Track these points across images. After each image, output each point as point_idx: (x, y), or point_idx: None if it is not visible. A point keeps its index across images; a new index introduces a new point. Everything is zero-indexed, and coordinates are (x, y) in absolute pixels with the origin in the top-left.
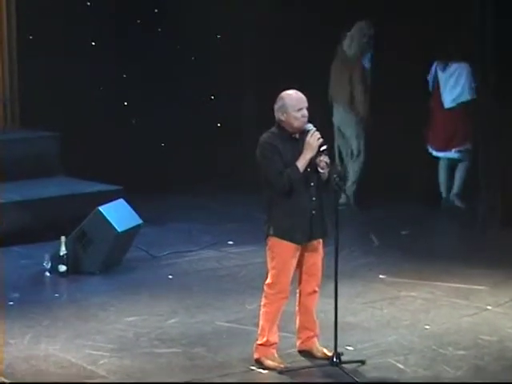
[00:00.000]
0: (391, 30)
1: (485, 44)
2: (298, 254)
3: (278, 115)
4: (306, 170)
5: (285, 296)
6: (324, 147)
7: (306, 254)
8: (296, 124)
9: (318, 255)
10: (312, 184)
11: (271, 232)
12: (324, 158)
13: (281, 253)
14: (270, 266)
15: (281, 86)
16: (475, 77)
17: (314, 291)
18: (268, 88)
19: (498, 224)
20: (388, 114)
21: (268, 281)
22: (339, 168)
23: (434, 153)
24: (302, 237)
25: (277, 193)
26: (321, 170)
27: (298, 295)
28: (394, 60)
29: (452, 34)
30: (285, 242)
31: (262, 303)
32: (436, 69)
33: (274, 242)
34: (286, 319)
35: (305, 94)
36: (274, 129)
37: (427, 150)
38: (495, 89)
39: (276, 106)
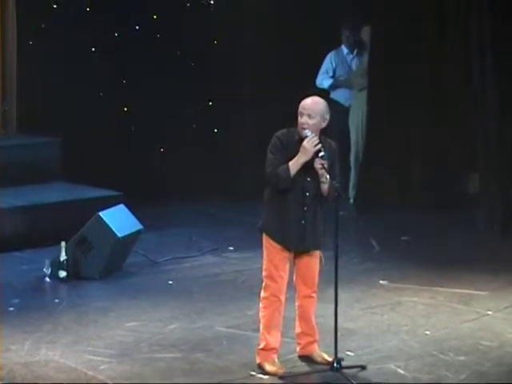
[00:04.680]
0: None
1: (483, 44)
2: (288, 258)
3: None
4: (305, 179)
5: (277, 299)
6: (322, 153)
7: (298, 261)
8: (300, 128)
9: (311, 261)
10: (307, 194)
11: (259, 225)
12: (320, 161)
13: (270, 253)
14: (263, 267)
15: (280, 93)
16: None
17: (310, 296)
18: (267, 93)
19: (499, 230)
20: (389, 120)
21: (263, 284)
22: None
23: None
24: (287, 241)
25: (269, 188)
26: (319, 171)
27: (295, 301)
28: (392, 61)
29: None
30: (273, 243)
31: (259, 308)
32: None
33: (264, 239)
34: (286, 324)
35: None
36: (294, 128)
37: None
38: (495, 96)
39: None
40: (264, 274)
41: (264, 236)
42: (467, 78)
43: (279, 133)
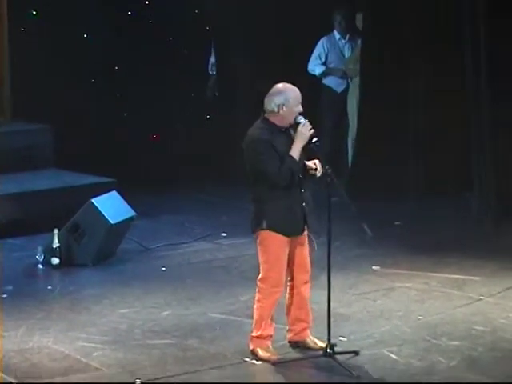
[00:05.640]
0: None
1: (477, 38)
2: (289, 246)
3: (275, 108)
4: None
5: (279, 290)
6: (315, 139)
7: (295, 246)
8: (291, 118)
9: (305, 246)
10: (300, 175)
11: (264, 226)
12: (311, 164)
13: (273, 246)
14: (261, 260)
15: (274, 80)
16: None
17: (307, 282)
18: (262, 79)
19: (492, 216)
20: (384, 107)
21: (260, 276)
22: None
23: None
24: (294, 229)
25: (277, 187)
26: (312, 172)
27: (289, 288)
28: (385, 49)
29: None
30: (278, 236)
31: (257, 298)
32: None
33: (266, 235)
34: (279, 311)
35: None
36: (260, 123)
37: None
38: (491, 88)
39: (274, 99)
40: (265, 266)
41: (267, 233)
42: (462, 68)
43: (257, 134)
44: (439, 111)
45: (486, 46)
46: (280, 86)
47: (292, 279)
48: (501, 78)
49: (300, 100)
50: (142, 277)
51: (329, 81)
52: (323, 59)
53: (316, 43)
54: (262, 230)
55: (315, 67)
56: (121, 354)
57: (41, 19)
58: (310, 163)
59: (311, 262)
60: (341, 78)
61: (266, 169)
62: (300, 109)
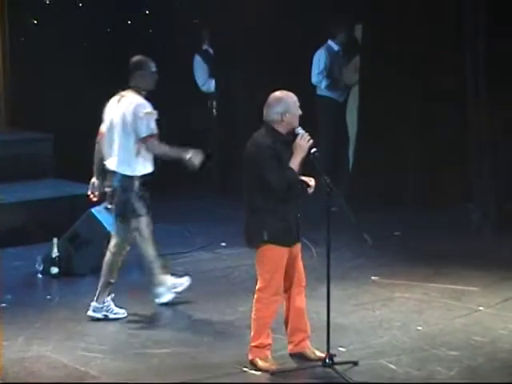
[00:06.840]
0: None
1: (476, 41)
2: (287, 256)
3: (278, 117)
4: None
5: (278, 298)
6: (314, 149)
7: (291, 257)
8: (295, 123)
9: (299, 255)
10: (298, 186)
11: (265, 238)
12: (307, 180)
13: (274, 257)
14: (261, 270)
15: (275, 86)
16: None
17: (302, 292)
18: (263, 89)
19: (491, 227)
20: (383, 116)
21: (260, 285)
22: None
23: None
24: (292, 239)
25: (275, 196)
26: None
27: (286, 299)
28: (383, 67)
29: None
30: (277, 247)
31: (256, 308)
32: None
33: (266, 247)
34: (278, 321)
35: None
36: (265, 131)
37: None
38: (489, 95)
39: (276, 108)
40: (265, 276)
41: (268, 246)
42: (462, 71)
43: (264, 142)
44: (441, 121)
45: (486, 51)
46: (278, 94)
47: (289, 289)
48: (500, 85)
49: (298, 103)
50: (141, 286)
51: (331, 91)
52: (326, 71)
53: (313, 54)
54: (263, 242)
55: (322, 80)
56: (120, 363)
57: (41, 28)
58: (306, 178)
59: (309, 271)
60: (344, 87)
61: (267, 176)
62: (300, 112)
